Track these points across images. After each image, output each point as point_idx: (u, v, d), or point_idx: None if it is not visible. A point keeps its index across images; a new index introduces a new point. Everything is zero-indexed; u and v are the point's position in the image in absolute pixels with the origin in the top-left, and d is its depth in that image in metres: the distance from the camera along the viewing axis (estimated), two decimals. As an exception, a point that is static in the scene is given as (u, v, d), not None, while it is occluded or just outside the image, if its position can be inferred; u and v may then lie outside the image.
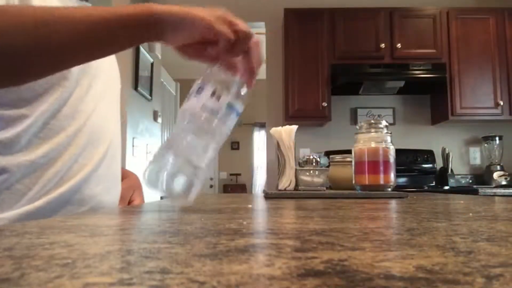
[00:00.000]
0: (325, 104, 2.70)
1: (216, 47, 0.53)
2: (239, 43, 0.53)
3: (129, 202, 0.86)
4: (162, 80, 4.00)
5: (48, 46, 0.49)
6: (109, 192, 0.73)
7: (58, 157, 0.63)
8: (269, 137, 3.00)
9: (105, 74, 0.74)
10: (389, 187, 1.11)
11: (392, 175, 1.11)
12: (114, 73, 0.81)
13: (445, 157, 2.85)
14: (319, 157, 1.23)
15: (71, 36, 0.49)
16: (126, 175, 0.89)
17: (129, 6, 0.51)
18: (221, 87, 0.54)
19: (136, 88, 3.05)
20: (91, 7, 0.54)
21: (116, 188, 0.78)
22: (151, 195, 0.78)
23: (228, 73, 0.55)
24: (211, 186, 7.29)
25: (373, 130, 1.14)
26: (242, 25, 0.53)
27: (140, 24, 0.51)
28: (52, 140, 0.63)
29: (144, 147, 3.27)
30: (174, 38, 0.54)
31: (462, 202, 0.79)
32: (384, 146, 1.11)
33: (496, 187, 2.65)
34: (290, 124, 1.24)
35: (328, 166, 1.38)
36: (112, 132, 0.75)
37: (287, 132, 1.22)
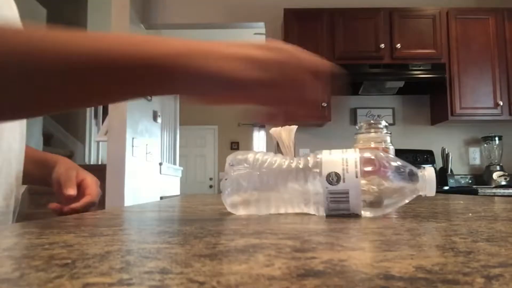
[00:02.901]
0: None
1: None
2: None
3: (79, 184, 0.74)
4: (161, 80, 3.99)
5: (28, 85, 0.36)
6: (5, 198, 0.65)
7: None
8: (269, 137, 3.00)
9: None
10: (389, 187, 1.11)
11: (391, 175, 1.11)
12: None
13: (445, 157, 2.85)
14: (319, 157, 1.22)
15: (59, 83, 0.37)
16: (55, 158, 0.76)
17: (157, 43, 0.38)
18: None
19: (135, 88, 3.05)
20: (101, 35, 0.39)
21: (11, 193, 0.68)
22: (151, 195, 0.76)
23: None
24: (210, 187, 7.29)
25: (372, 130, 1.14)
26: (317, 64, 0.40)
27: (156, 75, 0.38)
28: None
29: (144, 147, 3.27)
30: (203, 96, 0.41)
31: (461, 202, 0.79)
32: (383, 146, 1.11)
33: (496, 187, 2.65)
34: (290, 124, 1.24)
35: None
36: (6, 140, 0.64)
37: (287, 132, 1.22)
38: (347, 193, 0.43)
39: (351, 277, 0.17)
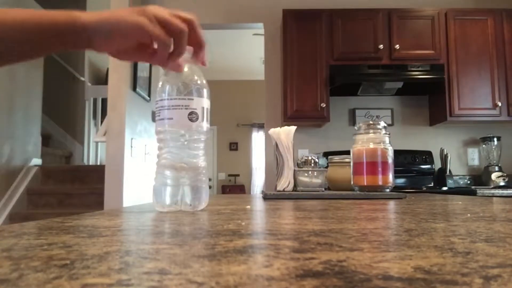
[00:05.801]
0: (323, 105, 2.70)
1: (158, 53, 0.54)
2: (177, 45, 0.53)
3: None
4: (160, 80, 4.00)
5: None
6: None
7: None
8: (268, 138, 3.00)
9: None
10: (388, 188, 1.11)
11: (390, 176, 1.11)
12: None
13: (444, 158, 2.86)
14: (318, 158, 1.23)
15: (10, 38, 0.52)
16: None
17: (53, 13, 0.52)
18: (183, 86, 0.56)
19: (134, 89, 3.05)
20: (21, 10, 0.54)
21: None
22: (150, 196, 0.77)
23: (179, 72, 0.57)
24: (210, 187, 7.29)
25: (371, 131, 1.15)
26: (174, 21, 0.52)
27: (63, 32, 0.52)
28: None
29: (143, 148, 3.26)
30: (106, 45, 0.54)
31: (460, 203, 0.80)
32: (382, 147, 1.11)
33: (494, 188, 2.65)
34: (289, 125, 1.24)
35: (326, 167, 1.38)
36: None
37: (286, 133, 1.22)
38: None
39: (349, 278, 0.17)
